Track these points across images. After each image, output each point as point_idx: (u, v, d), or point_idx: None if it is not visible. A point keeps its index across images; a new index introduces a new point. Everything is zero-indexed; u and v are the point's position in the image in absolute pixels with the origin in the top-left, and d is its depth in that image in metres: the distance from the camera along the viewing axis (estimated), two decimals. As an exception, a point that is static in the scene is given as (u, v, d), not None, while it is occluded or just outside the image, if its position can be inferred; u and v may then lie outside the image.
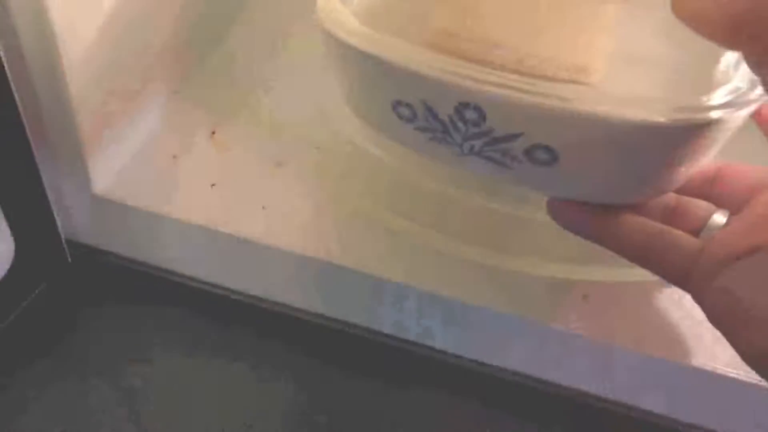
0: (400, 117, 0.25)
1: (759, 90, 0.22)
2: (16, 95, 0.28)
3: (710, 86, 0.24)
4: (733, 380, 0.29)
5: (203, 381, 0.34)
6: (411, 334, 0.34)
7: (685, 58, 0.27)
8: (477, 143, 0.24)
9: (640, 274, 0.28)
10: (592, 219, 0.25)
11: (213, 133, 0.36)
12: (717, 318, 0.22)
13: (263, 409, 0.33)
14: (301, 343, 0.35)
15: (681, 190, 0.26)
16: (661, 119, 0.21)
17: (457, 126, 0.24)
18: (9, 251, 0.31)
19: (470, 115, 0.23)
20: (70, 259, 0.35)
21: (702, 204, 0.25)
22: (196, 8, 0.37)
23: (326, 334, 0.34)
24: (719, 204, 0.25)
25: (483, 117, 0.23)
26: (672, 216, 0.25)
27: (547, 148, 0.23)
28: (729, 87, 0.23)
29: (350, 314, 0.34)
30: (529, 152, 0.24)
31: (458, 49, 0.26)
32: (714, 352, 0.30)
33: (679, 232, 0.24)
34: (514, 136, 0.23)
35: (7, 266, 0.31)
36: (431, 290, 0.31)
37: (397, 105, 0.25)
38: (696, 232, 0.24)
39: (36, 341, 0.34)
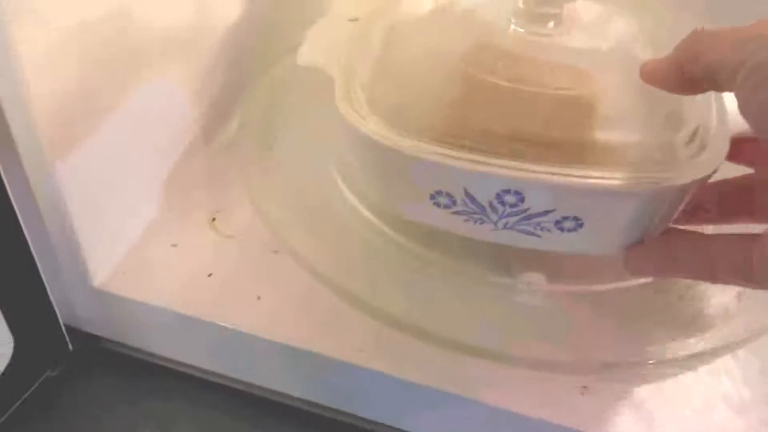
0: (438, 205, 0.30)
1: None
2: (10, 194, 0.29)
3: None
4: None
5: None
6: (405, 425, 0.33)
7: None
8: (512, 220, 0.29)
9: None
10: (655, 258, 0.29)
11: (213, 219, 0.37)
12: None
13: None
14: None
15: (722, 209, 0.30)
16: (669, 185, 0.27)
17: (496, 208, 0.29)
18: (8, 345, 0.32)
19: (510, 199, 0.28)
20: (71, 347, 0.36)
21: None
22: (202, 99, 0.39)
23: (324, 424, 0.34)
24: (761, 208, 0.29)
25: (522, 199, 0.28)
26: None
27: (575, 218, 0.28)
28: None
29: (345, 404, 0.34)
30: (559, 223, 0.28)
31: (473, 139, 0.29)
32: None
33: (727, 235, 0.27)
34: (548, 212, 0.28)
35: (6, 361, 0.32)
36: (422, 383, 0.31)
37: (436, 195, 0.29)
38: None
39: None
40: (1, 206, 0.29)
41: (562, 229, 0.29)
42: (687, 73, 0.25)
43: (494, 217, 0.29)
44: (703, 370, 0.33)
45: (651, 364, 0.32)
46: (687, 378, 0.32)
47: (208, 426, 0.35)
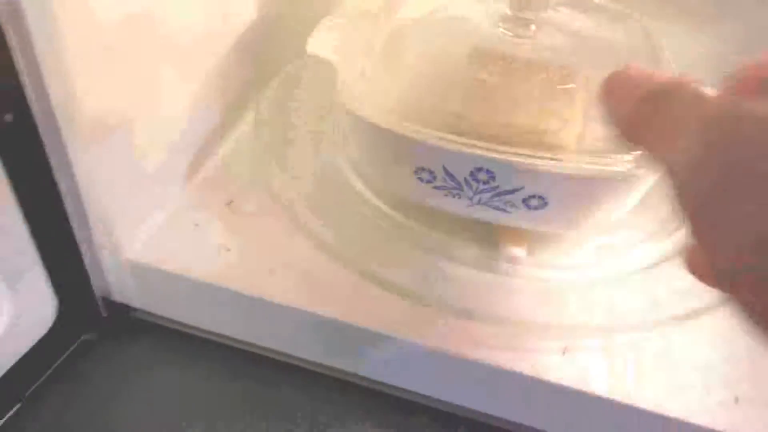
0: (421, 180, 0.34)
1: None
2: (56, 176, 0.33)
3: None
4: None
5: None
6: (415, 386, 0.37)
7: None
8: (485, 196, 0.33)
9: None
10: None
11: (231, 202, 0.41)
12: None
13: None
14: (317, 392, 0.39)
15: None
16: (622, 170, 0.31)
17: (471, 184, 0.33)
18: (53, 309, 0.36)
19: (482, 176, 0.32)
20: (104, 314, 0.40)
21: None
22: (222, 95, 0.43)
23: (337, 385, 0.39)
24: None
25: (493, 177, 0.32)
26: None
27: (540, 197, 0.32)
28: None
29: (355, 366, 0.38)
30: (526, 200, 0.33)
31: (467, 129, 0.33)
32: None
33: None
34: (516, 190, 0.32)
35: (50, 321, 0.36)
36: (418, 342, 0.35)
37: (419, 171, 0.33)
38: None
39: (74, 388, 0.39)
40: (48, 187, 0.34)
41: (528, 207, 0.33)
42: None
43: (470, 192, 0.33)
44: (671, 331, 0.36)
45: (624, 327, 0.36)
46: (658, 339, 0.36)
47: (228, 388, 0.39)
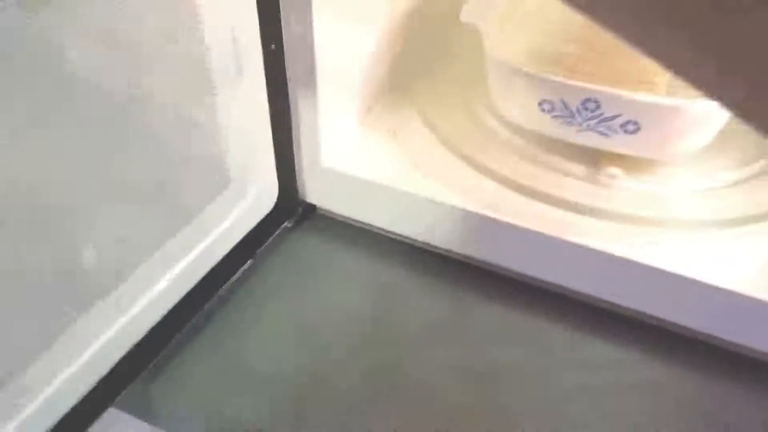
0: (543, 110, 0.45)
1: None
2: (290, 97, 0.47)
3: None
4: None
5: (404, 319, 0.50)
6: (531, 270, 0.49)
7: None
8: (592, 122, 0.44)
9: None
10: None
11: (394, 132, 0.54)
12: None
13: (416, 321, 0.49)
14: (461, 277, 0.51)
15: None
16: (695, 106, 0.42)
17: (581, 112, 0.44)
18: (274, 198, 0.50)
19: (591, 105, 0.43)
20: (300, 211, 0.54)
21: None
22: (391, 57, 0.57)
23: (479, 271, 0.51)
24: None
25: (599, 105, 0.43)
26: None
27: (635, 122, 0.43)
28: None
29: (492, 255, 0.50)
30: (623, 125, 0.43)
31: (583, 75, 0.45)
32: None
33: None
34: (616, 116, 0.43)
35: (272, 203, 0.50)
36: (543, 232, 0.47)
37: (542, 102, 0.45)
38: None
39: (278, 260, 0.52)
40: (285, 105, 0.47)
41: (626, 131, 0.44)
42: None
43: (580, 119, 0.44)
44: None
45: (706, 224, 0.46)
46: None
47: (392, 273, 0.52)
